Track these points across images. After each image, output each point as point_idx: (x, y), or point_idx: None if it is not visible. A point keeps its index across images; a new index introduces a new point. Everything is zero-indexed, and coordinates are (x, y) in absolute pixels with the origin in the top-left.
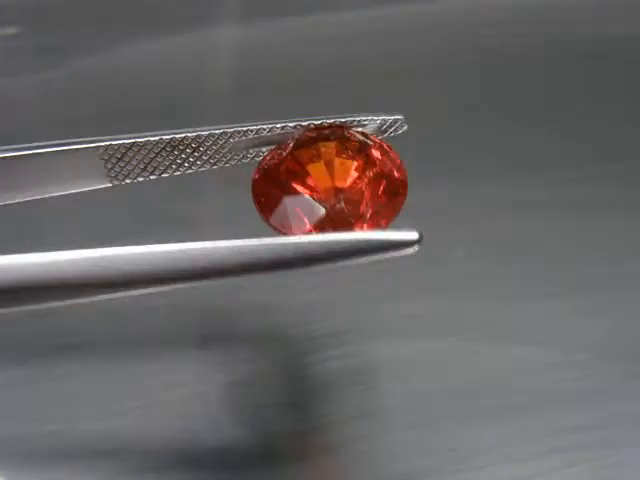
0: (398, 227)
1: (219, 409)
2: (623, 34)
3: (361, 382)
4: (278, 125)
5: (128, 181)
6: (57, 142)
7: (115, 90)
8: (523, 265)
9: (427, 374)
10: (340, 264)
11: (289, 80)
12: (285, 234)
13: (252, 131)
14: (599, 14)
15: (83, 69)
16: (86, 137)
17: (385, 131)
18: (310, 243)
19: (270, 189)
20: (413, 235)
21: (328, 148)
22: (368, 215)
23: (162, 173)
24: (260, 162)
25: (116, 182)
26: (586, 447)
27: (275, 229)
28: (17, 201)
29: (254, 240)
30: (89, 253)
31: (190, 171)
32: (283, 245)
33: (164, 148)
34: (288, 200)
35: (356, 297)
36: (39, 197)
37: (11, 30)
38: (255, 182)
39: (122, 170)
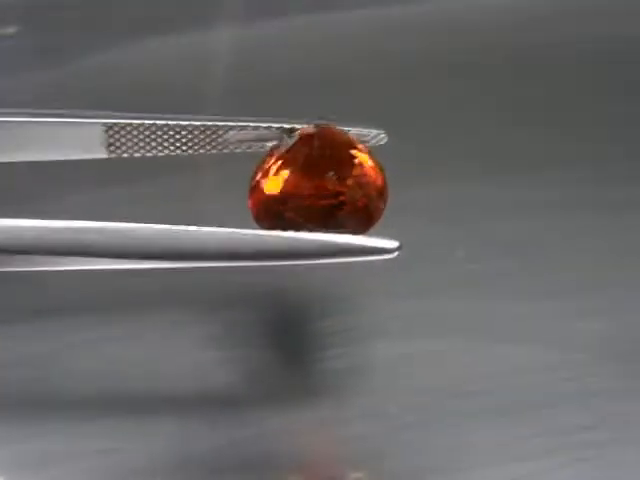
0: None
1: (216, 406)
2: (624, 34)
3: (361, 382)
4: (274, 125)
5: (126, 155)
6: (63, 112)
7: (115, 90)
8: (523, 265)
9: (427, 374)
10: (321, 262)
11: (289, 80)
12: None
13: (247, 127)
14: (599, 15)
15: (83, 69)
16: (93, 111)
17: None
18: (296, 240)
19: (272, 219)
20: (393, 244)
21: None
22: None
23: (160, 152)
24: (255, 184)
25: (114, 155)
26: (585, 447)
27: None
28: (18, 160)
29: (247, 230)
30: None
31: (187, 153)
32: (272, 238)
33: (167, 131)
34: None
35: (356, 297)
36: (38, 159)
37: (11, 30)
38: (256, 215)
39: (122, 145)
